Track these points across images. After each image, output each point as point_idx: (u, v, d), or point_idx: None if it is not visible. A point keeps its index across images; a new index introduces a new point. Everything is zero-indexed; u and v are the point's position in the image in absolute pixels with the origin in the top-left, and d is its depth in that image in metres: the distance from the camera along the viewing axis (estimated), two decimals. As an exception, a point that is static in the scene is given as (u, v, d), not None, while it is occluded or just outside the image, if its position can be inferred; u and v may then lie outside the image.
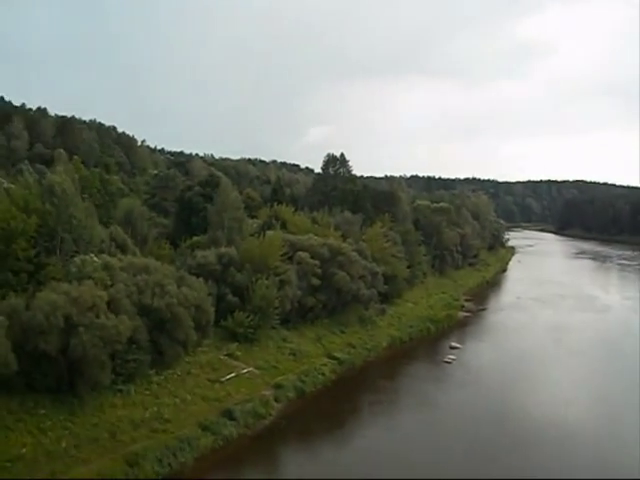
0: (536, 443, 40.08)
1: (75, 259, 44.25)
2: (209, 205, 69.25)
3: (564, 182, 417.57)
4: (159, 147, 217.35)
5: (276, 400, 44.31)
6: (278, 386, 46.14)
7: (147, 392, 39.43)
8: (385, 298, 72.19)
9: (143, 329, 40.37)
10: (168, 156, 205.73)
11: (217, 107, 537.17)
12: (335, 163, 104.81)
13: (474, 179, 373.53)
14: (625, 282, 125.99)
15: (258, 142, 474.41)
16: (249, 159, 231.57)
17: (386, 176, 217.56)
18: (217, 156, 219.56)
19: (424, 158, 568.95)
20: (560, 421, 43.80)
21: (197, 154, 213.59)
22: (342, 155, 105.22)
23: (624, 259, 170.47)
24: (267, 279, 53.77)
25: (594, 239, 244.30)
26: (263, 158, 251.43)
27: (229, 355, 48.16)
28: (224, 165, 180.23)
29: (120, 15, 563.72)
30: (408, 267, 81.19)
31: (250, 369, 47.29)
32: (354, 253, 66.28)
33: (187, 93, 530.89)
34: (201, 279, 49.35)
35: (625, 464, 37.41)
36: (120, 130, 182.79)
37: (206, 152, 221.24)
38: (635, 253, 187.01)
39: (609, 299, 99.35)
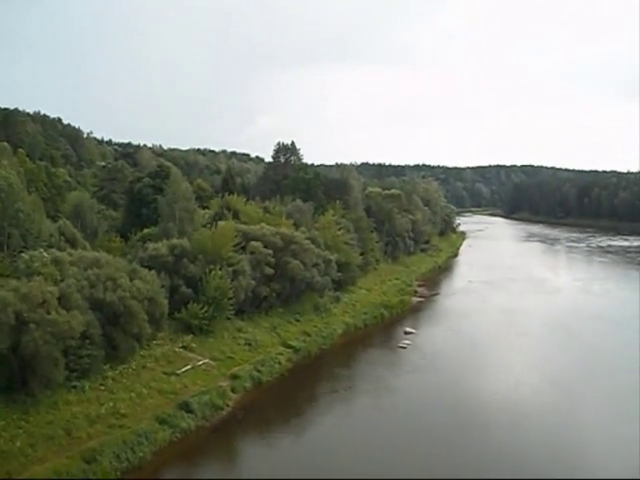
0: (489, 425, 40.80)
1: (23, 254, 43.39)
2: (159, 196, 68.46)
3: (512, 167, 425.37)
4: (106, 138, 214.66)
5: (233, 391, 44.12)
6: (234, 377, 45.96)
7: (102, 387, 38.83)
8: (339, 285, 72.52)
9: (96, 324, 39.77)
10: (116, 147, 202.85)
11: (164, 97, 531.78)
12: (286, 151, 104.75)
13: (424, 165, 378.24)
14: (574, 264, 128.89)
15: (207, 132, 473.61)
16: (198, 149, 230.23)
17: (337, 164, 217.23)
18: (166, 147, 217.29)
19: (374, 145, 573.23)
20: (512, 404, 44.45)
21: (145, 145, 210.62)
22: (292, 143, 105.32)
23: (572, 241, 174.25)
24: (220, 270, 53.42)
25: (542, 222, 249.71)
26: (212, 148, 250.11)
27: (184, 347, 47.77)
28: (173, 155, 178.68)
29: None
30: (361, 254, 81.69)
31: (206, 361, 47.01)
32: (307, 241, 66.30)
33: (133, 83, 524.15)
34: (153, 271, 48.86)
35: (574, 442, 38.61)
36: (65, 122, 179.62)
37: (154, 143, 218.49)
38: (582, 235, 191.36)
39: (559, 281, 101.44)
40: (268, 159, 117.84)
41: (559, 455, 36.61)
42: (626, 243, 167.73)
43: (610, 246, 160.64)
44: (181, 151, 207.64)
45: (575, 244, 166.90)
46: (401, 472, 34.32)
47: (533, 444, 37.87)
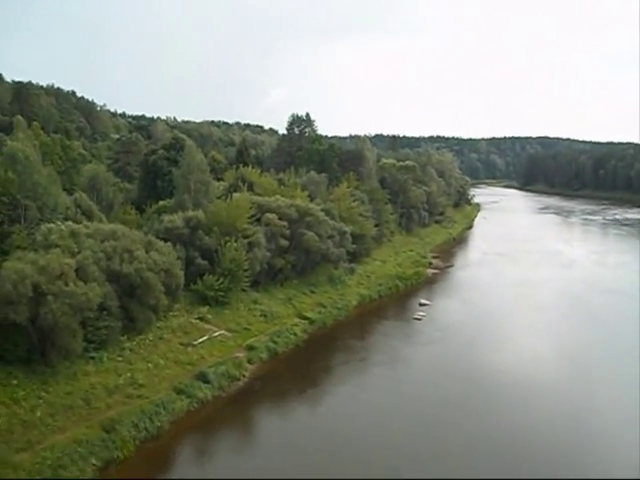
0: (503, 398, 40.97)
1: (40, 227, 43.53)
2: (174, 169, 68.42)
3: (527, 138, 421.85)
4: (120, 111, 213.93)
5: (249, 362, 44.50)
6: (250, 348, 46.34)
7: (120, 358, 39.27)
8: (354, 257, 72.53)
9: (113, 295, 40.15)
10: (130, 120, 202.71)
11: (178, 70, 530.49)
12: (300, 123, 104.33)
13: (438, 137, 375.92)
14: (589, 236, 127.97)
15: (220, 104, 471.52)
16: (212, 121, 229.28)
17: (350, 135, 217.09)
18: (179, 119, 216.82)
19: (388, 117, 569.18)
20: (526, 378, 44.47)
21: (159, 117, 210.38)
22: (307, 115, 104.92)
23: (587, 213, 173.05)
24: (236, 242, 53.64)
25: (557, 194, 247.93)
26: (226, 120, 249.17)
27: (200, 319, 48.13)
28: (187, 128, 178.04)
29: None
30: (376, 226, 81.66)
31: (222, 332, 47.37)
32: (322, 213, 66.29)
33: (146, 55, 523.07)
34: (169, 243, 49.06)
35: (589, 417, 38.53)
36: (79, 95, 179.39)
37: (168, 115, 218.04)
38: (598, 207, 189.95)
39: (574, 253, 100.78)
40: (282, 131, 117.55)
41: (571, 430, 36.73)
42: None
43: (626, 218, 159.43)
44: (195, 123, 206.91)
45: (590, 216, 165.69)
46: (415, 442, 34.64)
47: (546, 417, 38.00)
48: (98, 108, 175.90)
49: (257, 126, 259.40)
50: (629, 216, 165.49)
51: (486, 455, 33.45)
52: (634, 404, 39.58)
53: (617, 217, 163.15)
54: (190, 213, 56.69)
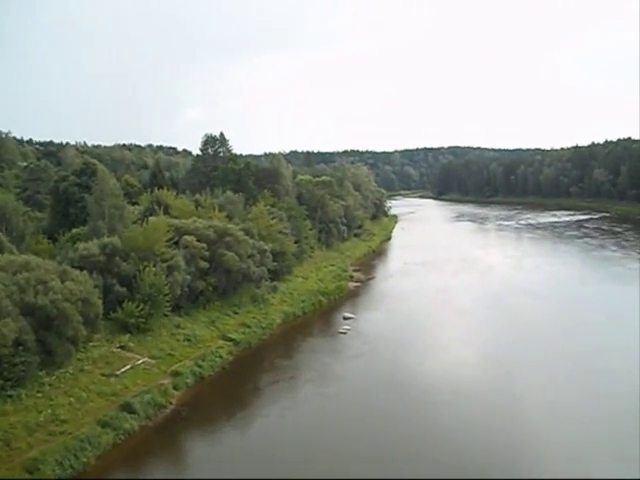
0: (433, 404, 41.35)
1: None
2: (86, 195, 66.64)
3: (439, 148, 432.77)
4: (26, 138, 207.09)
5: (175, 388, 43.47)
6: (176, 374, 45.27)
7: (39, 394, 37.55)
8: (275, 275, 72.25)
9: (29, 329, 38.44)
10: (37, 147, 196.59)
11: (85, 92, 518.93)
12: (214, 143, 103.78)
13: (352, 151, 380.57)
14: (504, 241, 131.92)
15: (131, 126, 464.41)
16: (124, 144, 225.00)
17: (265, 153, 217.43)
18: (90, 144, 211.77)
19: (302, 133, 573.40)
20: (454, 382, 45.09)
21: (68, 143, 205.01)
22: (221, 134, 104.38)
23: (501, 219, 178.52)
24: (154, 266, 52.55)
25: (471, 202, 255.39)
26: (138, 142, 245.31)
27: (122, 347, 46.77)
28: (98, 152, 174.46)
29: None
30: (295, 242, 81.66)
31: (145, 359, 46.21)
32: (241, 233, 65.85)
33: (52, 78, 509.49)
34: (85, 272, 47.46)
35: (514, 416, 39.42)
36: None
37: (78, 140, 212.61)
38: (511, 213, 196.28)
39: (491, 259, 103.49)
40: (196, 152, 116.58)
41: (500, 425, 37.63)
42: (554, 219, 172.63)
43: (539, 222, 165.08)
44: (106, 147, 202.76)
45: (504, 222, 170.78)
46: (349, 456, 34.45)
47: (475, 417, 38.82)
48: (3, 135, 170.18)
49: (170, 148, 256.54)
50: (541, 220, 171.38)
51: (414, 456, 33.94)
52: (554, 399, 41.12)
53: (530, 221, 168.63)
54: (105, 239, 55.14)
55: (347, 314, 66.71)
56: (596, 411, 39.43)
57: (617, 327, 58.72)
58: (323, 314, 69.57)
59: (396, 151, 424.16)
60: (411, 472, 32.26)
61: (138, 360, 45.56)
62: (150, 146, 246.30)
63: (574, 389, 43.19)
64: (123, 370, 43.24)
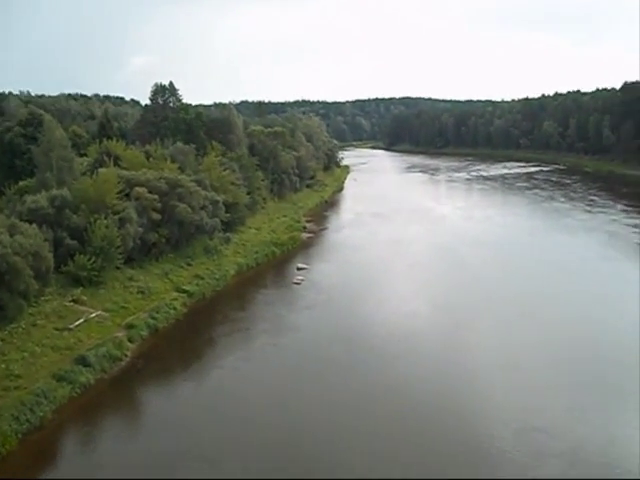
0: (386, 355, 41.90)
1: None
2: (33, 146, 65.02)
3: (391, 99, 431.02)
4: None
5: (130, 340, 43.37)
6: (130, 326, 45.11)
7: (-9, 350, 37.26)
8: (228, 227, 71.90)
9: (-22, 285, 37.91)
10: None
11: (27, 40, 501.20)
12: (164, 93, 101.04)
13: (304, 101, 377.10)
14: (455, 192, 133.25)
15: (76, 76, 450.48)
16: (69, 94, 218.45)
17: (215, 103, 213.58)
18: (34, 93, 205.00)
19: (252, 83, 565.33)
20: (407, 334, 45.67)
21: (11, 92, 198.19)
22: (171, 84, 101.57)
23: (452, 170, 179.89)
24: (106, 219, 51.82)
25: (423, 153, 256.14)
26: (84, 92, 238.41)
27: (75, 301, 46.21)
28: (43, 102, 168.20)
29: None
30: (248, 194, 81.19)
31: (99, 312, 45.84)
32: (193, 184, 65.18)
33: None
34: (34, 225, 46.55)
35: (467, 363, 40.30)
36: None
37: (21, 90, 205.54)
38: (462, 164, 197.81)
39: (443, 210, 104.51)
40: (145, 102, 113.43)
41: (451, 376, 38.20)
42: (504, 170, 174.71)
43: (489, 174, 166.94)
44: (51, 97, 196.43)
45: (455, 173, 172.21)
46: (303, 407, 34.86)
47: (428, 369, 39.45)
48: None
49: (118, 98, 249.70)
50: (491, 171, 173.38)
51: (368, 407, 34.39)
52: (503, 347, 42.24)
53: (481, 173, 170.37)
54: (55, 192, 54.00)
55: (301, 265, 67.02)
56: (540, 356, 40.77)
57: (565, 275, 60.35)
58: (277, 265, 69.81)
59: (347, 102, 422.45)
60: (365, 421, 32.84)
61: (91, 313, 45.17)
62: (97, 96, 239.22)
63: (522, 336, 44.24)
64: (77, 324, 42.85)
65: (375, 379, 38.10)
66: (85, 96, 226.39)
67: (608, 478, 23.68)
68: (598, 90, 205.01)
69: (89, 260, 48.99)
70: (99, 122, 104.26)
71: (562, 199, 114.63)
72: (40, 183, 58.26)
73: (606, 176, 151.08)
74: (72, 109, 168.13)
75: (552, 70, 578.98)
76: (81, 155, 75.96)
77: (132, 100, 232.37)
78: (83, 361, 38.15)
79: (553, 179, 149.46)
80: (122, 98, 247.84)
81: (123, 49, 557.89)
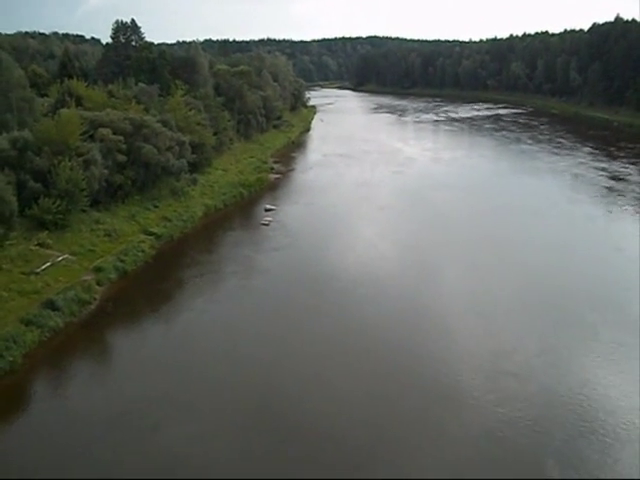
0: (353, 298, 42.21)
1: None
2: (-9, 87, 63.01)
3: (358, 38, 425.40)
4: None
5: (98, 284, 43.05)
6: (98, 269, 44.73)
7: (-43, 295, 36.67)
8: (195, 168, 70.99)
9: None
10: None
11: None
12: (125, 31, 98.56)
13: (269, 40, 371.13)
14: (423, 134, 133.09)
15: (34, 13, 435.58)
16: (26, 32, 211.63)
17: (179, 42, 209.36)
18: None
19: (217, 21, 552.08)
20: (375, 275, 45.96)
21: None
22: (133, 21, 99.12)
23: (420, 111, 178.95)
24: (70, 161, 50.74)
25: (390, 93, 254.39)
26: (42, 30, 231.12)
27: (40, 245, 45.48)
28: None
29: None
30: (214, 134, 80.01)
31: (65, 256, 45.26)
32: (158, 124, 64.10)
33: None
34: (-4, 168, 45.68)
35: (436, 306, 40.86)
36: None
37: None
38: (429, 105, 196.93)
39: (410, 151, 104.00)
40: (106, 40, 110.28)
41: (421, 320, 38.77)
42: (472, 111, 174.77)
43: (457, 115, 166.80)
44: (7, 35, 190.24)
45: (423, 114, 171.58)
46: (272, 348, 34.98)
47: (397, 313, 39.70)
48: None
49: (77, 36, 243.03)
50: (459, 112, 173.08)
51: (337, 350, 34.62)
52: (472, 290, 42.75)
53: (449, 114, 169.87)
54: (15, 134, 52.64)
55: (268, 206, 66.82)
56: (508, 299, 41.55)
57: (531, 216, 61.11)
58: (244, 206, 69.53)
59: (314, 41, 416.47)
60: (335, 365, 33.14)
61: (58, 257, 44.60)
62: (56, 34, 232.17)
63: (490, 279, 44.82)
64: (43, 267, 42.32)
65: (344, 323, 38.24)
66: (43, 34, 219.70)
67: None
68: (566, 31, 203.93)
69: (54, 203, 48.09)
70: (60, 61, 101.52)
71: (530, 141, 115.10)
72: (0, 125, 56.68)
73: (573, 118, 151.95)
74: (30, 48, 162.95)
75: (520, 10, 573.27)
76: (42, 95, 73.93)
77: (93, 38, 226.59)
78: (51, 305, 37.80)
79: (520, 121, 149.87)
80: (82, 36, 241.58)
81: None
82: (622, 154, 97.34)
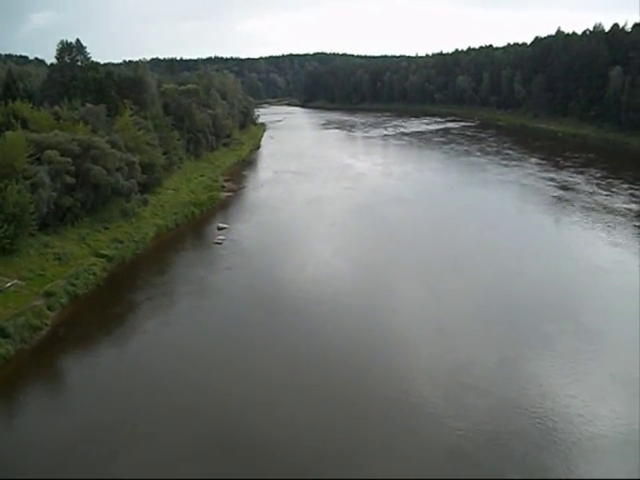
0: (307, 316, 42.32)
1: None
2: None
3: (305, 55, 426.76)
4: None
5: (49, 309, 42.27)
6: (49, 294, 43.90)
7: None
8: (145, 188, 70.38)
9: None
10: None
11: None
12: (71, 51, 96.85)
13: (217, 58, 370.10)
14: (373, 149, 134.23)
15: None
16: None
17: (125, 61, 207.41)
18: None
19: (164, 39, 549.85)
20: (329, 293, 46.09)
21: None
22: (78, 41, 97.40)
23: (369, 126, 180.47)
24: (17, 184, 49.80)
25: (339, 109, 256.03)
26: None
27: (-12, 271, 44.64)
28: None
29: None
30: (164, 154, 79.51)
31: (15, 281, 44.28)
32: (107, 145, 63.30)
33: None
34: (-60, 193, 44.56)
35: (392, 323, 41.08)
36: None
37: None
38: (378, 119, 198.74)
39: (361, 167, 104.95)
40: (51, 61, 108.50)
41: (377, 337, 38.77)
42: (420, 125, 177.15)
43: (406, 129, 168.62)
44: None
45: (372, 129, 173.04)
46: (224, 370, 34.93)
47: (352, 330, 39.72)
48: None
49: (21, 56, 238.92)
50: (408, 126, 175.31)
51: (293, 370, 34.73)
52: (427, 305, 43.45)
53: (398, 129, 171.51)
54: (-40, 157, 51.61)
55: (221, 224, 66.67)
56: (463, 310, 42.12)
57: (483, 228, 62.16)
58: (196, 225, 69.21)
59: (261, 58, 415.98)
60: (290, 386, 33.08)
61: (7, 283, 43.61)
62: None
63: (445, 292, 45.47)
64: (-8, 294, 41.38)
65: (299, 342, 38.27)
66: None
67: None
68: (510, 45, 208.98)
69: (1, 228, 47.02)
70: (3, 83, 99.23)
71: (478, 153, 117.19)
72: (-57, 148, 55.33)
73: (518, 130, 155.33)
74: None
75: (465, 24, 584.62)
76: (-15, 118, 72.34)
77: (36, 59, 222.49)
78: (2, 332, 36.95)
79: (468, 133, 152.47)
80: (25, 57, 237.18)
81: (21, 5, 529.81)
82: (568, 163, 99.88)
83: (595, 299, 42.61)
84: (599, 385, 31.24)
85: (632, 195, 75.26)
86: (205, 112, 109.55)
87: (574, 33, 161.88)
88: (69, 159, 57.21)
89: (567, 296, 43.64)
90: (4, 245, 47.23)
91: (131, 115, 77.35)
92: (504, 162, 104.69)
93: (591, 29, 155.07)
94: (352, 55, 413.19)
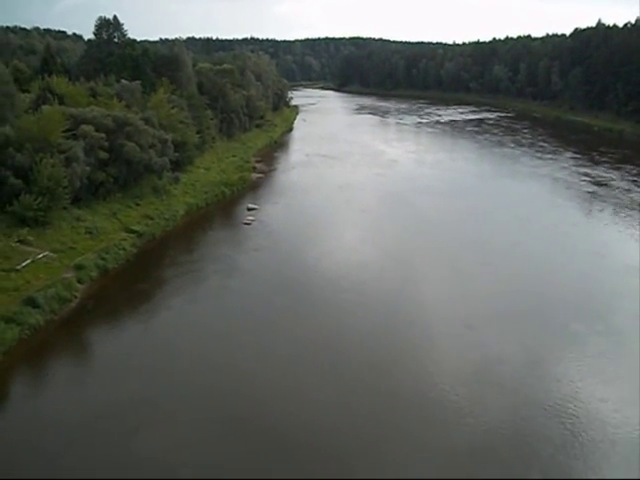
0: (333, 297, 42.42)
1: None
2: (-28, 81, 62.41)
3: (341, 39, 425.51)
4: None
5: (79, 281, 42.81)
6: (79, 267, 44.46)
7: (-64, 293, 36.34)
8: (177, 166, 70.77)
9: None
10: None
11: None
12: (108, 27, 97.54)
13: (252, 39, 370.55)
14: (406, 135, 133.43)
15: (14, 8, 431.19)
16: (7, 27, 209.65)
17: (161, 39, 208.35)
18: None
19: (200, 19, 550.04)
20: (354, 281, 45.48)
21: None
22: (115, 18, 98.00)
23: (403, 113, 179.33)
24: (52, 157, 50.47)
25: (373, 94, 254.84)
26: (23, 25, 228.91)
27: (21, 241, 45.21)
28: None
29: None
30: (197, 132, 79.85)
31: (46, 253, 45.01)
32: (141, 122, 63.77)
33: None
34: (-24, 164, 45.33)
35: (419, 313, 40.83)
36: None
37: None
38: (412, 106, 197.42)
39: (393, 153, 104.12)
40: (88, 36, 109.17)
41: (404, 328, 38.53)
42: (454, 114, 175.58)
43: (440, 117, 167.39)
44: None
45: (406, 115, 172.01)
46: (253, 349, 34.99)
47: (379, 321, 39.14)
48: None
49: (59, 31, 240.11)
50: (442, 115, 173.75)
51: (316, 355, 34.56)
52: (455, 298, 42.87)
53: (432, 116, 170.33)
54: (-3, 129, 52.36)
55: (251, 205, 66.88)
56: (492, 305, 41.84)
57: (514, 221, 61.68)
58: (227, 205, 69.50)
59: (297, 40, 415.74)
60: (312, 371, 33.12)
61: (39, 254, 44.33)
62: (37, 29, 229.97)
63: (475, 285, 44.85)
64: (24, 264, 42.05)
65: (323, 327, 37.98)
66: (25, 29, 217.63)
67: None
68: (548, 36, 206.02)
69: (35, 200, 47.78)
70: (42, 57, 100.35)
71: (512, 144, 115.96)
72: (-19, 120, 56.19)
73: (554, 122, 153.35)
74: (12, 43, 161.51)
75: (503, 13, 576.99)
76: (23, 91, 73.24)
77: (74, 34, 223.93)
78: (32, 302, 37.53)
79: (503, 124, 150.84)
80: (64, 32, 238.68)
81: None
82: (604, 159, 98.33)
83: (628, 300, 41.74)
84: (631, 388, 30.54)
85: (669, 194, 73.93)
86: (239, 93, 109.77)
87: (615, 26, 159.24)
88: (103, 134, 57.77)
89: (598, 296, 42.94)
90: (37, 217, 47.96)
91: (166, 93, 77.68)
92: (538, 154, 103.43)
93: (633, 22, 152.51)
94: (388, 40, 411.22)
